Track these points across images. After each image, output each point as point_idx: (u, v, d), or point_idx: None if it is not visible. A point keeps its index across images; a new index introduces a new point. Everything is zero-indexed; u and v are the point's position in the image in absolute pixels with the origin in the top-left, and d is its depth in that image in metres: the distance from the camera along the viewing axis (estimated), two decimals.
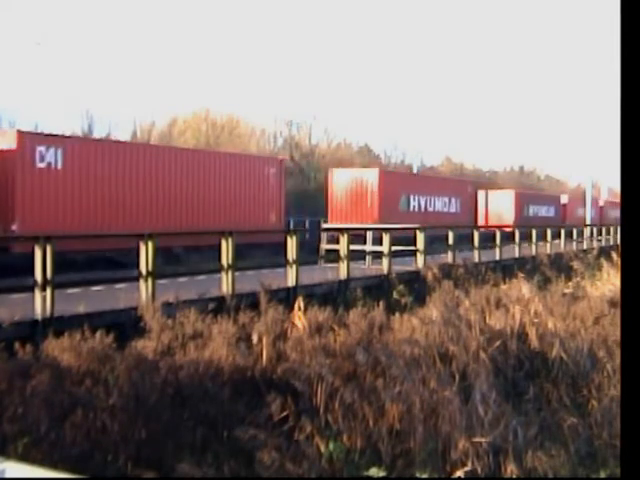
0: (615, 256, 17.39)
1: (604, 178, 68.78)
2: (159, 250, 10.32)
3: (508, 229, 26.22)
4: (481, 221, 37.15)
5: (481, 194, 39.36)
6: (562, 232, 26.51)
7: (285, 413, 5.81)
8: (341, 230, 14.41)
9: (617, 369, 6.76)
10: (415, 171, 42.89)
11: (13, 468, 2.22)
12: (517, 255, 21.06)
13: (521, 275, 13.82)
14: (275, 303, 9.34)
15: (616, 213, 52.51)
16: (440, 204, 33.63)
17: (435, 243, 20.23)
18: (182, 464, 4.95)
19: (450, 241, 18.01)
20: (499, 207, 39.08)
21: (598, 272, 17.38)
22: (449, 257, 17.52)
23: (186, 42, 70.66)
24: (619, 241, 26.35)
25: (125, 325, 8.41)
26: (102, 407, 5.54)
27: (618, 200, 58.15)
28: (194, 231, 19.85)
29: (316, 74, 77.24)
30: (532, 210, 43.31)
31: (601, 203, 56.58)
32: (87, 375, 6.11)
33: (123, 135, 39.23)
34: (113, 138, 33.20)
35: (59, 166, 17.42)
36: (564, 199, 50.14)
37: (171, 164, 20.73)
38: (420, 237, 16.46)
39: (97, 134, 36.93)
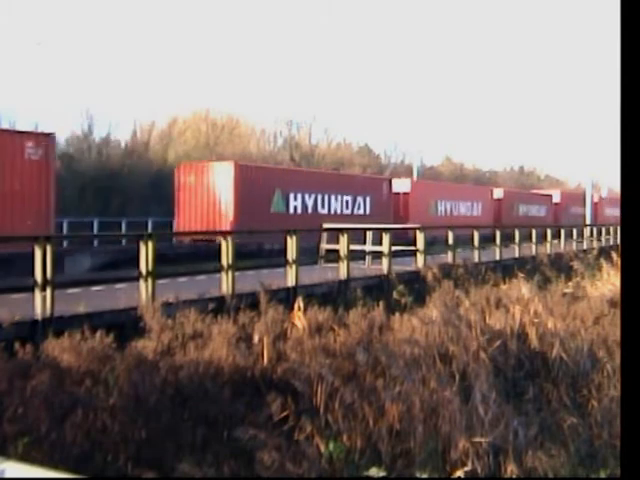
0: (615, 256, 17.38)
1: (604, 178, 68.73)
2: None
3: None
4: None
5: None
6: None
7: (285, 413, 5.81)
8: (341, 230, 14.40)
9: (617, 369, 6.76)
10: (415, 171, 42.74)
11: (13, 468, 2.21)
12: (517, 255, 21.06)
13: (521, 275, 13.82)
14: (275, 303, 9.34)
15: (612, 211, 51.94)
16: (342, 204, 28.06)
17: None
18: (182, 464, 4.96)
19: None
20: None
21: (598, 272, 17.38)
22: (449, 257, 17.52)
23: (186, 42, 70.71)
24: (619, 241, 26.36)
25: (125, 325, 8.40)
26: (102, 407, 5.55)
27: (613, 197, 56.84)
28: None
29: (316, 74, 77.31)
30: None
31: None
32: (87, 375, 6.11)
33: (123, 135, 39.30)
34: None
35: None
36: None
37: None
38: (420, 237, 16.46)
39: (97, 134, 36.95)
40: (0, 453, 4.39)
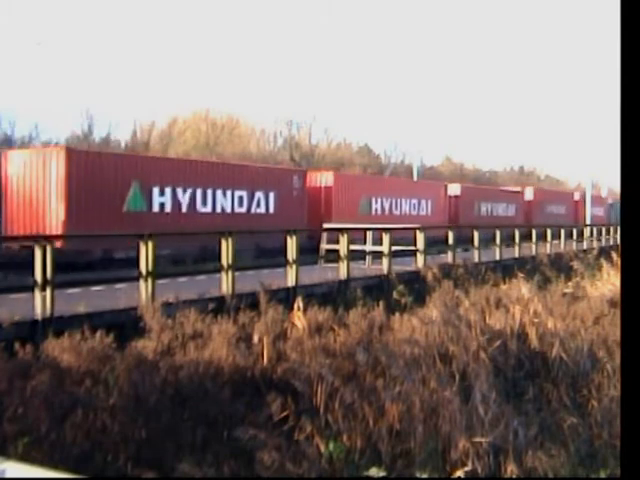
0: (615, 256, 17.39)
1: (604, 178, 68.72)
2: None
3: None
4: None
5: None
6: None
7: (285, 413, 5.81)
8: (341, 230, 14.40)
9: (617, 369, 6.76)
10: (415, 171, 42.62)
11: (13, 468, 2.21)
12: (517, 255, 21.06)
13: (521, 275, 13.82)
14: (275, 303, 9.34)
15: (595, 210, 49.52)
16: (233, 201, 22.88)
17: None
18: (182, 464, 4.96)
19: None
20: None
21: (598, 272, 17.38)
22: (449, 257, 17.52)
23: (186, 42, 70.71)
24: (619, 241, 26.34)
25: (125, 325, 8.40)
26: (102, 407, 5.55)
27: (596, 195, 54.95)
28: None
29: (316, 74, 77.31)
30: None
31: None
32: (87, 375, 6.11)
33: (123, 135, 39.34)
34: None
35: None
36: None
37: None
38: (420, 237, 16.46)
39: (97, 134, 36.97)
40: (0, 453, 4.39)
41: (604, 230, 31.74)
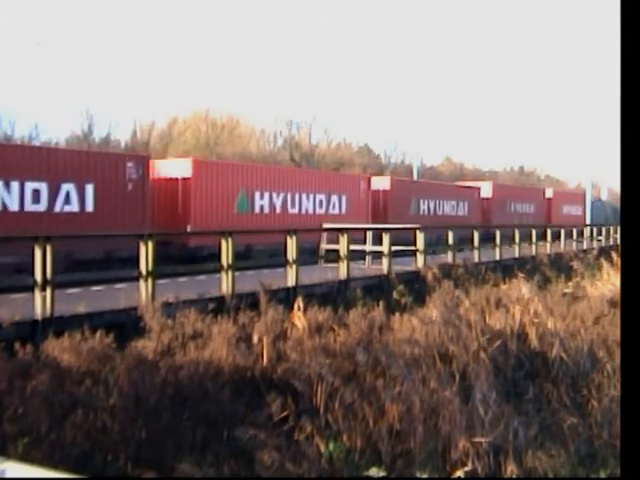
0: (615, 256, 17.39)
1: (604, 178, 68.70)
2: None
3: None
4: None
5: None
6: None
7: (285, 413, 5.81)
8: (341, 230, 14.40)
9: (617, 369, 6.77)
10: (415, 171, 42.53)
11: (13, 468, 2.21)
12: (517, 255, 21.07)
13: (521, 275, 13.82)
14: (275, 303, 9.34)
15: (570, 209, 45.74)
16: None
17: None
18: (182, 464, 4.96)
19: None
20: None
21: (598, 272, 17.38)
22: (449, 257, 17.52)
23: (186, 42, 70.72)
24: (618, 241, 26.28)
25: (125, 325, 8.40)
26: (102, 407, 5.55)
27: (570, 193, 52.13)
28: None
29: (316, 74, 77.31)
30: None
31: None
32: (87, 375, 6.11)
33: (123, 135, 39.34)
34: None
35: None
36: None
37: None
38: (420, 237, 16.46)
39: (97, 134, 36.97)
40: (0, 453, 4.40)
41: (575, 232, 27.69)
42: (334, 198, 26.47)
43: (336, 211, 26.37)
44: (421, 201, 31.99)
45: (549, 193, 44.33)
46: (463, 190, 36.45)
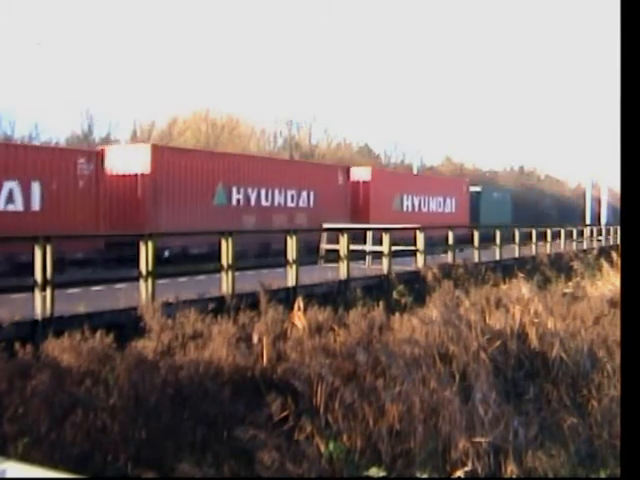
0: (615, 256, 17.40)
1: (604, 178, 68.69)
2: None
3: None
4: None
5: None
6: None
7: (285, 413, 5.81)
8: (341, 230, 14.40)
9: (617, 369, 6.77)
10: (415, 171, 42.48)
11: (13, 468, 2.21)
12: (517, 255, 21.08)
13: (521, 275, 13.82)
14: (275, 303, 9.34)
15: (447, 204, 32.25)
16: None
17: None
18: (182, 464, 4.96)
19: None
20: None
21: (598, 272, 17.39)
22: (449, 257, 17.52)
23: (186, 42, 70.70)
24: (617, 242, 26.27)
25: (125, 325, 8.40)
26: (102, 407, 5.55)
27: (388, 173, 35.51)
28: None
29: (316, 74, 77.25)
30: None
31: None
32: (87, 375, 6.11)
33: (123, 135, 39.33)
34: None
35: None
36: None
37: None
38: (420, 237, 16.47)
39: (97, 134, 36.97)
40: (0, 453, 4.40)
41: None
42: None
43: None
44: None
45: (366, 175, 27.35)
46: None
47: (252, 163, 22.89)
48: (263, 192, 22.15)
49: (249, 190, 21.60)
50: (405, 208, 29.06)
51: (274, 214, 22.40)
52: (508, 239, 21.77)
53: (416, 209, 29.80)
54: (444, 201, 32.31)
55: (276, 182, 22.64)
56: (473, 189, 35.76)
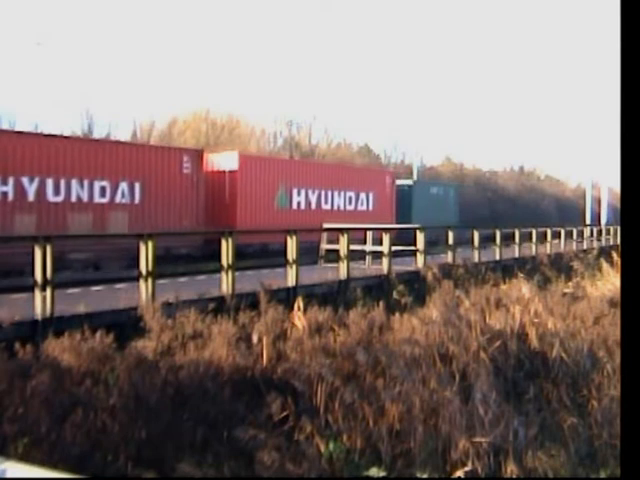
0: (615, 256, 17.40)
1: (604, 178, 68.66)
2: None
3: None
4: None
5: None
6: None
7: (285, 413, 5.81)
8: (341, 230, 14.39)
9: (617, 369, 6.77)
10: (415, 171, 42.48)
11: (13, 468, 2.22)
12: (517, 255, 21.08)
13: (521, 275, 13.82)
14: (275, 303, 9.34)
15: (363, 199, 26.85)
16: None
17: None
18: (182, 464, 4.96)
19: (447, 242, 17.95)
20: None
21: (598, 272, 17.39)
22: (449, 257, 17.52)
23: (186, 42, 70.70)
24: (616, 242, 26.28)
25: (125, 325, 8.40)
26: (102, 407, 5.55)
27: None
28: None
29: (316, 74, 77.23)
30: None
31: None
32: (87, 375, 6.12)
33: (123, 135, 39.30)
34: None
35: None
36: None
37: None
38: (420, 237, 16.46)
39: (97, 134, 36.94)
40: (0, 453, 4.40)
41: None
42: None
43: None
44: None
45: (234, 164, 21.70)
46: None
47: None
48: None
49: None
50: (295, 205, 23.76)
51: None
52: (434, 243, 19.07)
53: (312, 206, 24.36)
54: (357, 197, 26.67)
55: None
56: (403, 182, 31.11)
